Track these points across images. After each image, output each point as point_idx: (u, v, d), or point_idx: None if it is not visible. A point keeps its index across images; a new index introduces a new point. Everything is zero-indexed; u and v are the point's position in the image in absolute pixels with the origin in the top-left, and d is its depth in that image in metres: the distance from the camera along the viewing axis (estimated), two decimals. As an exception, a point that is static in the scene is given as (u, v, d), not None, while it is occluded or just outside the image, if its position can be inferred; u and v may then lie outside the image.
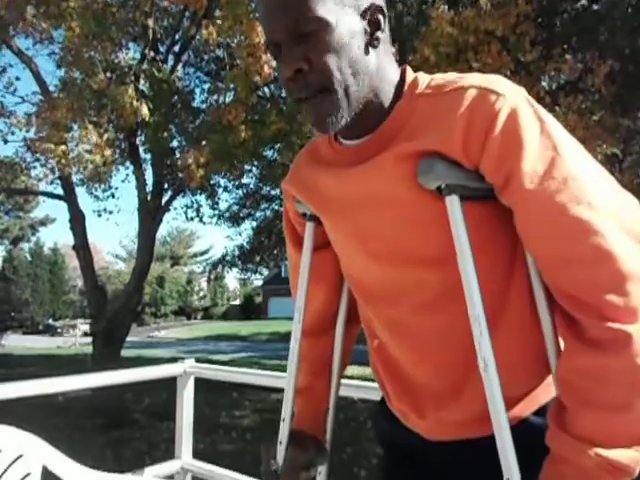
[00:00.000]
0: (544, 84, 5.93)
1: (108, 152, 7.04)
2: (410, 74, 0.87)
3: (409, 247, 0.85)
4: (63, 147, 6.77)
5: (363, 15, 0.80)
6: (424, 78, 0.85)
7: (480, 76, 0.80)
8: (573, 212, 0.71)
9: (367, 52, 0.81)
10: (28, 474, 1.47)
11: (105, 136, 7.18)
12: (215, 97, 7.90)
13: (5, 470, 1.44)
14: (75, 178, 8.19)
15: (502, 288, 0.84)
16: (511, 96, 0.75)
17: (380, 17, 0.82)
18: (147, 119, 6.67)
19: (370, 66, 0.81)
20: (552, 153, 0.73)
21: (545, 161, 0.73)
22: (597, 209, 0.71)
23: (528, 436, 0.80)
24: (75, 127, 7.17)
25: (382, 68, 0.84)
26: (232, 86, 6.76)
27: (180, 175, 7.70)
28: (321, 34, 0.77)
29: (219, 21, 5.93)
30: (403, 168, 0.81)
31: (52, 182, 8.28)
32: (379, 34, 0.82)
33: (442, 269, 0.83)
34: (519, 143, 0.73)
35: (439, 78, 0.83)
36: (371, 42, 0.81)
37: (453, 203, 0.78)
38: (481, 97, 0.76)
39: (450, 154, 0.77)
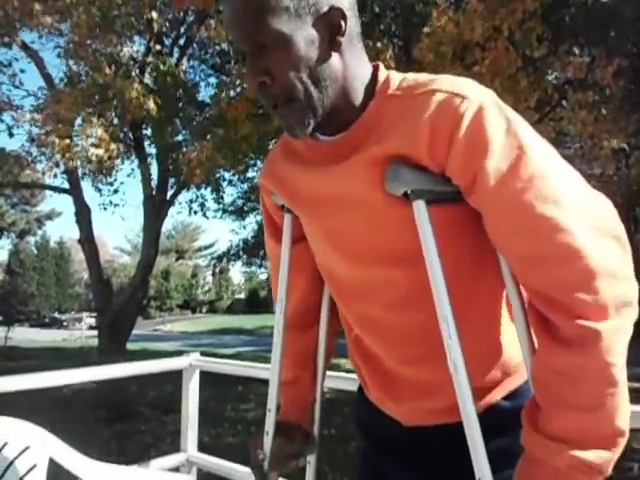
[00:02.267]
0: (551, 78, 5.89)
1: (113, 146, 7.02)
2: (382, 72, 0.86)
3: (379, 248, 0.87)
4: (67, 140, 6.77)
5: (321, 21, 0.79)
6: (396, 78, 0.85)
7: (449, 79, 0.80)
8: (539, 210, 0.71)
9: (329, 57, 0.81)
10: (35, 465, 1.48)
11: (110, 129, 7.17)
12: (221, 91, 7.87)
13: (12, 462, 1.45)
14: (80, 172, 8.20)
15: (470, 286, 0.87)
16: (476, 99, 0.76)
17: (340, 21, 0.80)
18: (154, 113, 6.65)
19: (334, 70, 0.81)
20: (517, 152, 0.73)
21: (510, 160, 0.73)
22: (564, 207, 0.71)
23: (498, 418, 0.85)
24: (79, 120, 7.16)
25: (349, 68, 0.83)
26: (238, 82, 6.73)
27: (184, 169, 7.68)
28: (278, 47, 0.77)
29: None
30: (372, 173, 0.82)
31: (56, 176, 8.29)
32: (339, 38, 0.81)
33: (411, 268, 0.85)
34: (483, 144, 0.73)
35: (410, 79, 0.83)
36: (332, 47, 0.80)
37: (419, 208, 0.80)
38: (446, 101, 0.76)
39: (416, 158, 0.78)
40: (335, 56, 0.81)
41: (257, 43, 0.79)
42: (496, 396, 0.89)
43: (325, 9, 0.79)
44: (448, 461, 0.89)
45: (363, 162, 0.82)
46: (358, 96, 0.84)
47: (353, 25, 0.83)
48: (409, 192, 0.80)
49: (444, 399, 0.86)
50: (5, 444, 1.45)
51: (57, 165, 7.13)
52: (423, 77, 0.82)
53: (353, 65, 0.84)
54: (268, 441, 1.04)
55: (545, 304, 0.73)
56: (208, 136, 7.16)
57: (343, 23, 0.80)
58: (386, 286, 0.88)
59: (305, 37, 0.78)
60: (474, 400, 0.77)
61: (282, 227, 1.03)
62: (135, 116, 6.94)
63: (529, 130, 0.77)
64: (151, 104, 6.57)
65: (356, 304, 0.96)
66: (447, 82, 0.79)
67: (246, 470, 2.16)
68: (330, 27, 0.80)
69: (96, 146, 6.74)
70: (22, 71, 8.81)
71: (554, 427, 0.71)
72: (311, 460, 1.14)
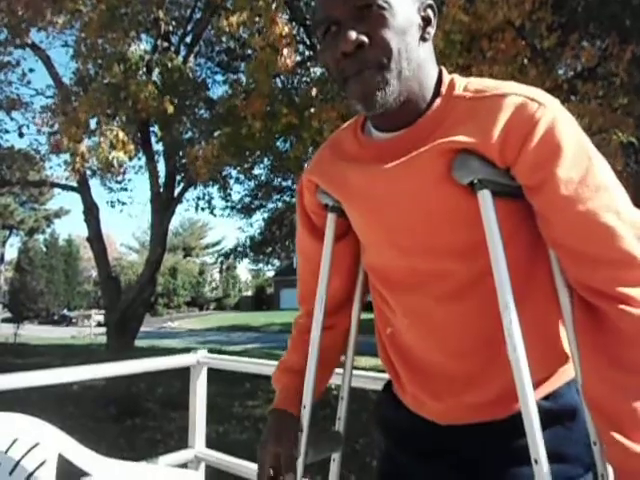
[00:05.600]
0: (561, 72, 5.83)
1: (131, 147, 7.01)
2: (446, 75, 0.90)
3: (438, 241, 0.89)
4: (85, 145, 6.79)
5: (421, 9, 0.85)
6: (461, 81, 0.89)
7: (518, 85, 0.85)
8: (604, 219, 0.78)
9: (419, 45, 0.85)
10: (44, 462, 1.49)
11: (126, 130, 7.16)
12: (228, 88, 7.87)
13: (22, 458, 1.46)
14: (88, 171, 8.24)
15: (523, 280, 0.88)
16: (552, 106, 0.81)
17: (431, 13, 0.86)
18: (171, 112, 6.65)
19: (420, 58, 0.85)
20: (587, 162, 0.79)
21: (581, 169, 0.79)
22: (623, 217, 0.79)
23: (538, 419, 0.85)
24: (93, 123, 7.17)
25: (427, 63, 0.88)
26: (248, 79, 6.72)
27: (194, 166, 7.67)
28: (385, 13, 0.80)
29: (238, 13, 5.84)
30: (438, 164, 0.84)
31: (67, 178, 8.32)
32: (430, 29, 0.87)
33: (469, 261, 0.87)
34: (557, 151, 0.78)
35: (476, 82, 0.87)
36: (422, 36, 0.86)
37: (485, 197, 0.82)
38: (523, 104, 0.80)
39: (484, 154, 0.81)
40: (422, 46, 0.86)
41: (364, 6, 0.80)
42: (538, 395, 0.88)
43: (425, 0, 0.86)
44: (479, 462, 0.90)
45: (428, 154, 0.84)
46: (427, 93, 0.89)
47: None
48: (475, 181, 0.82)
49: (486, 393, 0.88)
50: (15, 440, 1.46)
51: (78, 171, 7.06)
52: (490, 82, 0.87)
53: (429, 62, 0.89)
54: (303, 438, 1.02)
55: (595, 295, 0.80)
56: (216, 133, 7.16)
57: (433, 17, 0.87)
58: (441, 278, 0.90)
59: (408, 15, 0.83)
60: (532, 382, 0.79)
61: (320, 226, 1.05)
62: (149, 116, 6.95)
63: (589, 141, 0.83)
64: (169, 107, 6.57)
65: (407, 296, 0.96)
66: (519, 87, 0.84)
67: (253, 466, 2.17)
68: (425, 18, 0.86)
69: (115, 148, 6.72)
70: (31, 70, 8.86)
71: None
72: (336, 458, 1.12)
